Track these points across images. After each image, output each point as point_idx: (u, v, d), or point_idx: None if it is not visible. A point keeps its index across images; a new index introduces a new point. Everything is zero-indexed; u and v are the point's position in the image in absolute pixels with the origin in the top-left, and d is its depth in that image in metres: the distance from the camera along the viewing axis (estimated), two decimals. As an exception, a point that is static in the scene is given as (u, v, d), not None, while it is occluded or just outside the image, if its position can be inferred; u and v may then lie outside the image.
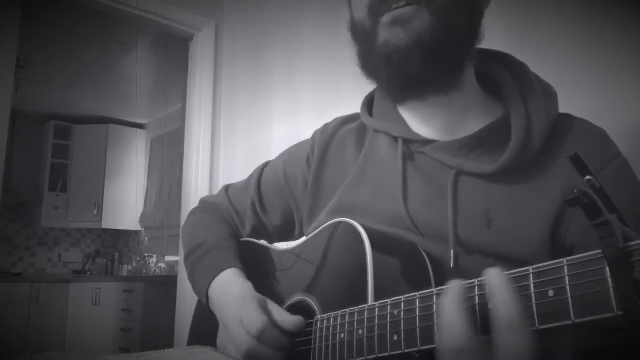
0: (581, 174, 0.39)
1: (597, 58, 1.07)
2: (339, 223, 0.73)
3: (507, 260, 0.64)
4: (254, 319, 0.70)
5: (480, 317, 0.46)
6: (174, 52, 3.68)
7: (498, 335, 0.43)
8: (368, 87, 0.86)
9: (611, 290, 0.38)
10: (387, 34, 0.69)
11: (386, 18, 0.69)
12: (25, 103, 4.95)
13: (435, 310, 0.51)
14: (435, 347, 0.49)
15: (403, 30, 0.67)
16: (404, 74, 0.69)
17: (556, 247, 0.66)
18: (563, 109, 0.75)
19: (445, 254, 0.68)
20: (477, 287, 0.48)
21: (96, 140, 5.50)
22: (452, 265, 0.67)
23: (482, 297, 0.47)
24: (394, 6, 0.68)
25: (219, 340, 0.79)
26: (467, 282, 0.49)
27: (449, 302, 0.46)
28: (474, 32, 0.73)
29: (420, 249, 0.69)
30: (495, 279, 0.45)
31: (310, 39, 2.03)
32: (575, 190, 0.37)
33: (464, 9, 0.70)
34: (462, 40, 0.71)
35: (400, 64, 0.68)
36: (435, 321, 0.51)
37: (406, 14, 0.67)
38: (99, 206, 5.36)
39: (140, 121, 5.76)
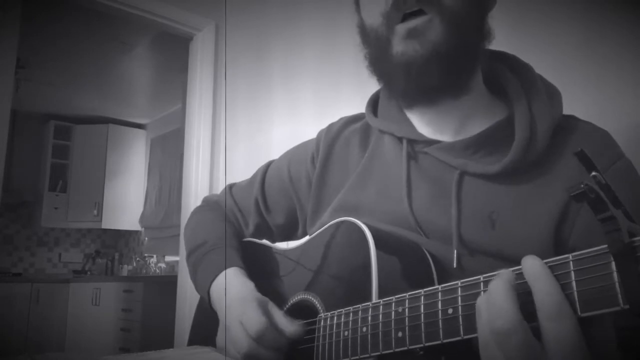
0: (587, 169, 0.39)
1: (597, 59, 1.07)
2: (343, 222, 0.73)
3: (510, 261, 0.64)
4: (254, 321, 0.70)
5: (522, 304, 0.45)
6: (174, 52, 3.68)
7: (543, 322, 0.42)
8: (368, 87, 0.87)
9: (617, 284, 0.38)
10: (403, 46, 0.69)
11: (401, 29, 0.69)
12: (25, 103, 4.95)
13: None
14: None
15: (418, 42, 0.68)
16: (422, 84, 0.70)
17: (559, 248, 0.66)
18: (563, 109, 0.75)
19: (449, 255, 0.68)
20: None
21: (96, 140, 5.50)
22: (454, 266, 0.67)
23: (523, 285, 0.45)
24: (407, 12, 0.68)
25: (218, 340, 0.79)
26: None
27: (500, 286, 0.45)
28: (483, 35, 0.74)
29: (424, 249, 0.69)
30: (532, 263, 0.44)
31: (310, 39, 2.03)
32: (582, 185, 0.38)
33: (473, 14, 0.71)
34: (473, 44, 0.72)
35: (419, 75, 0.69)
36: (440, 317, 0.51)
37: (420, 25, 0.68)
38: (99, 206, 5.36)
39: (140, 121, 5.76)
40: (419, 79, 0.70)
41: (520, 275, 0.46)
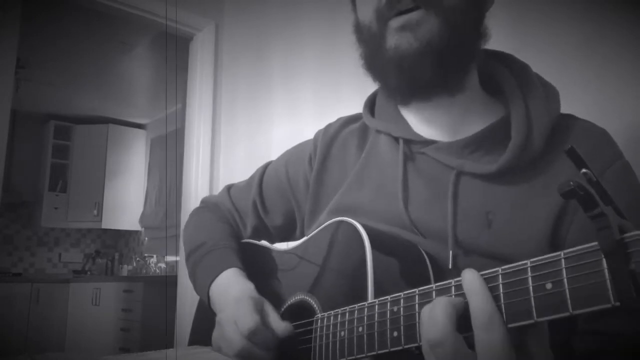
0: (577, 166, 0.39)
1: (597, 59, 1.07)
2: (339, 222, 0.72)
3: (506, 261, 0.64)
4: (246, 319, 0.70)
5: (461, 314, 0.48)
6: (174, 52, 3.68)
7: (476, 331, 0.45)
8: (368, 87, 0.86)
9: (608, 281, 0.38)
10: (396, 39, 0.69)
11: (395, 23, 0.69)
12: (25, 103, 4.95)
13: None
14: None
15: (413, 35, 0.68)
16: (415, 78, 0.70)
17: (556, 248, 0.65)
18: (562, 109, 0.75)
19: (445, 255, 0.68)
20: (454, 287, 0.50)
21: (96, 140, 5.50)
22: (450, 266, 0.67)
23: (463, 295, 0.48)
24: (401, 10, 0.68)
25: (213, 340, 0.79)
26: (446, 282, 0.50)
27: (442, 300, 0.48)
28: (479, 34, 0.74)
29: (421, 249, 0.69)
30: (470, 278, 0.47)
31: (310, 39, 2.03)
32: (571, 182, 0.38)
33: (470, 12, 0.71)
34: (469, 42, 0.72)
35: (412, 69, 0.69)
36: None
37: (415, 19, 0.68)
38: (99, 206, 5.36)
39: (140, 121, 5.77)
40: (411, 73, 0.69)
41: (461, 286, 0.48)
